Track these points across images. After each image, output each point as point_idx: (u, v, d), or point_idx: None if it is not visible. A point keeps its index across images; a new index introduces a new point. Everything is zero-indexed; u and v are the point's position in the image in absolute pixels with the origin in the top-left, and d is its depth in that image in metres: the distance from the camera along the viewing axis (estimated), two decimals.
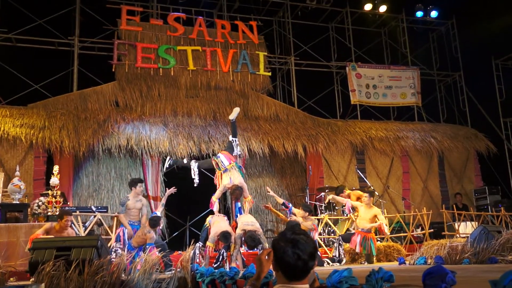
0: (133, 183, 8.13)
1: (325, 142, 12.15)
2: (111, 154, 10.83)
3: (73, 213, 7.84)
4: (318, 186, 11.62)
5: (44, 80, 11.33)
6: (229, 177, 8.04)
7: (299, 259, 2.32)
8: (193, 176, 8.25)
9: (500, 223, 10.22)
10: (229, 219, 8.66)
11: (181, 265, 5.37)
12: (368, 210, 8.63)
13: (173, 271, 5.32)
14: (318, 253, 8.38)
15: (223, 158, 8.22)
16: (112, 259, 5.38)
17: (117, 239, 7.68)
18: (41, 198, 7.89)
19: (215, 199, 8.04)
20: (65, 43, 11.56)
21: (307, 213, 8.51)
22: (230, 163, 8.15)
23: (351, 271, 3.41)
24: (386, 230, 8.74)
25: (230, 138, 8.71)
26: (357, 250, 8.44)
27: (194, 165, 8.27)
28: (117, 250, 7.43)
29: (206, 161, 8.61)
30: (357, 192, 9.46)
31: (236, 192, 7.99)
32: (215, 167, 8.29)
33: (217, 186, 8.26)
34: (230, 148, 8.50)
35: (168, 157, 8.70)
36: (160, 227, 7.89)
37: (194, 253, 7.09)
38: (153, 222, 7.45)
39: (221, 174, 8.23)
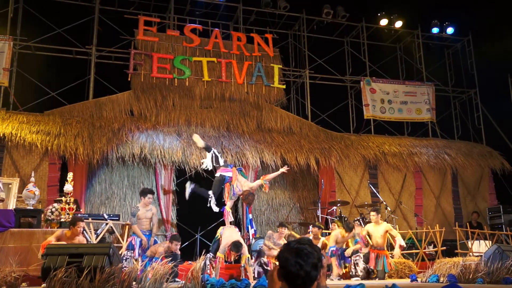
0: (143, 193, 8.24)
1: (338, 156, 12.12)
2: (124, 163, 10.91)
3: (85, 220, 7.89)
4: (330, 200, 11.57)
5: (60, 87, 11.50)
6: (236, 185, 8.10)
7: (301, 269, 2.33)
8: (214, 208, 8.21)
9: None
10: (240, 230, 8.65)
11: (192, 275, 5.37)
12: (378, 227, 8.58)
13: (179, 282, 5.32)
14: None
15: (224, 173, 8.30)
16: (124, 267, 5.40)
17: (129, 247, 7.70)
18: (55, 204, 7.95)
19: (228, 209, 8.07)
20: (83, 52, 11.73)
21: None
22: (231, 172, 8.23)
23: (363, 286, 3.39)
24: (403, 243, 8.67)
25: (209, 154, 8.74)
26: (372, 266, 8.41)
27: (212, 195, 8.22)
28: (128, 258, 7.45)
29: (215, 184, 8.51)
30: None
31: (249, 197, 8.08)
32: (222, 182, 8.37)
33: (226, 198, 8.29)
34: (218, 163, 8.54)
35: (188, 183, 8.55)
36: (177, 246, 7.83)
37: (205, 264, 7.07)
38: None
39: (229, 184, 8.29)
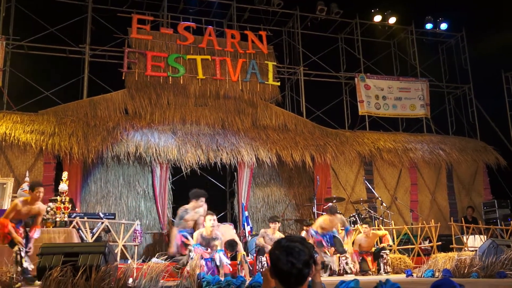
0: (196, 196, 7.92)
1: (333, 153, 12.13)
2: (119, 161, 10.90)
3: (81, 219, 7.90)
4: (325, 196, 11.59)
5: (54, 87, 11.47)
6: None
7: (294, 267, 2.31)
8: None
9: (510, 237, 10.11)
10: (236, 228, 8.66)
11: (188, 273, 5.39)
12: (370, 238, 8.71)
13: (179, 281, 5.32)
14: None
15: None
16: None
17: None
18: (50, 204, 7.91)
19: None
20: (76, 51, 11.69)
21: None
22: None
23: (358, 282, 3.40)
24: (391, 242, 8.80)
25: None
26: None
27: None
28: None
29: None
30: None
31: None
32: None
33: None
34: None
35: None
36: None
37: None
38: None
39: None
